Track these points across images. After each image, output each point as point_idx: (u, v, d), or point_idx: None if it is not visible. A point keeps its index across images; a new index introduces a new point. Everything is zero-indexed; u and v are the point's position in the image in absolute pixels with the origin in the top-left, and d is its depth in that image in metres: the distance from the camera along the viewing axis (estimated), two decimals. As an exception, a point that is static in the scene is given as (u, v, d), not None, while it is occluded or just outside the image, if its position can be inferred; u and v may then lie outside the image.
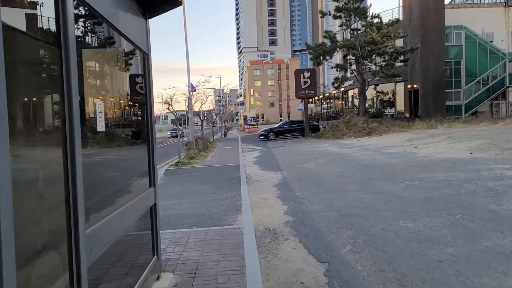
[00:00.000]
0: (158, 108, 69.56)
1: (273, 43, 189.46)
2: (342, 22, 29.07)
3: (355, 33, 28.69)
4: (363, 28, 28.51)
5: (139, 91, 3.74)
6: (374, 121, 27.53)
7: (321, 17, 29.98)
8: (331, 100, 50.46)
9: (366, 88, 29.26)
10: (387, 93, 36.31)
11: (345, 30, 30.19)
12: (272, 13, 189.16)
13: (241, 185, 9.89)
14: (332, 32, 29.07)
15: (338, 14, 28.78)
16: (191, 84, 26.17)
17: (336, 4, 29.11)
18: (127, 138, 3.48)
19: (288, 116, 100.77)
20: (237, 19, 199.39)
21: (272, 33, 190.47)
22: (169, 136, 52.60)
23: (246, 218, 6.33)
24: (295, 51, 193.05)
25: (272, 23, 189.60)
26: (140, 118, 3.76)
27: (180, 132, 42.34)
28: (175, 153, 20.14)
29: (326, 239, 5.11)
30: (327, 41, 29.10)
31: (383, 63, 28.26)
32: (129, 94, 3.53)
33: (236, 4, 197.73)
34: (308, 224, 5.90)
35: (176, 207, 7.74)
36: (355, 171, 10.83)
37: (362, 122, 27.25)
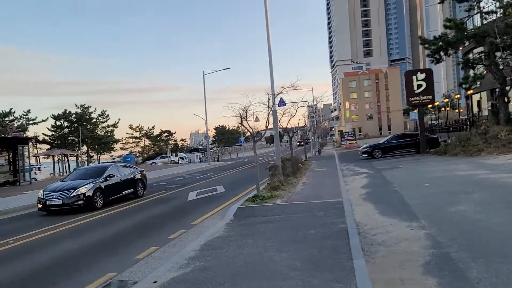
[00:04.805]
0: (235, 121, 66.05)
1: (368, 54, 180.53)
2: (470, 6, 22.40)
3: (490, 17, 21.80)
4: (501, 10, 21.51)
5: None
6: (523, 132, 20.19)
7: (439, 3, 23.89)
8: (448, 108, 42.21)
9: (508, 88, 21.89)
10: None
11: (473, 16, 23.44)
12: (366, 24, 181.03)
13: (354, 262, 5.11)
14: (457, 19, 22.55)
15: (464, -4, 22.31)
16: (281, 98, 21.99)
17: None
18: None
19: (389, 130, 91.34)
20: (330, 33, 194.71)
21: (367, 44, 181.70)
22: None
23: None
24: (392, 61, 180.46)
25: (366, 34, 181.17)
26: None
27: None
28: (263, 176, 16.14)
29: None
30: (449, 31, 22.64)
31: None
32: None
33: (328, 18, 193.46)
34: None
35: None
36: None
37: (506, 133, 20.15)
